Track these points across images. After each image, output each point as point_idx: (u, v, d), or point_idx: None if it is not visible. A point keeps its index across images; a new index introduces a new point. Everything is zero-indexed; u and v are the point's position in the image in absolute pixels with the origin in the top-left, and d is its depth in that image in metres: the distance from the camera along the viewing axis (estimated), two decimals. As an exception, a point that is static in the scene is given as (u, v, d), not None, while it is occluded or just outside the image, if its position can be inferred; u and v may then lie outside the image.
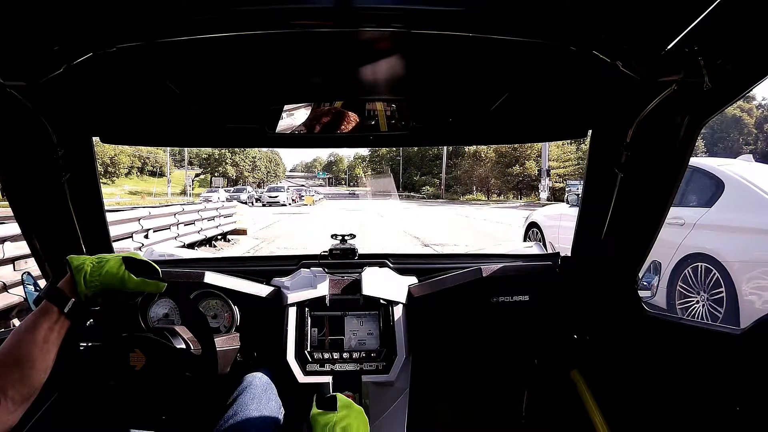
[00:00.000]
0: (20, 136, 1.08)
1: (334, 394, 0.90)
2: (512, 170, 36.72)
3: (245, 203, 28.27)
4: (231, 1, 0.80)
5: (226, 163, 54.07)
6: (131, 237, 6.93)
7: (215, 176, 50.16)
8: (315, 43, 0.94)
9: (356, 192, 52.27)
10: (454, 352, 1.52)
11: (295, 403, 1.23)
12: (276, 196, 29.33)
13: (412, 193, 47.84)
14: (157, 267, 0.94)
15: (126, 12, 0.80)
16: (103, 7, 0.78)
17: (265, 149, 61.50)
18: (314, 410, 0.89)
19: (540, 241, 6.04)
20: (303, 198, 32.85)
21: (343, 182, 78.39)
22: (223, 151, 52.21)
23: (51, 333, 0.82)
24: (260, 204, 28.72)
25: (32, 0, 0.74)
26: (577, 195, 5.42)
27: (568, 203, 5.96)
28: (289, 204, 29.18)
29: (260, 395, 1.12)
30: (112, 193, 36.01)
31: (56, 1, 0.75)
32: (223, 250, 9.50)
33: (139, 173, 52.03)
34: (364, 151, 74.49)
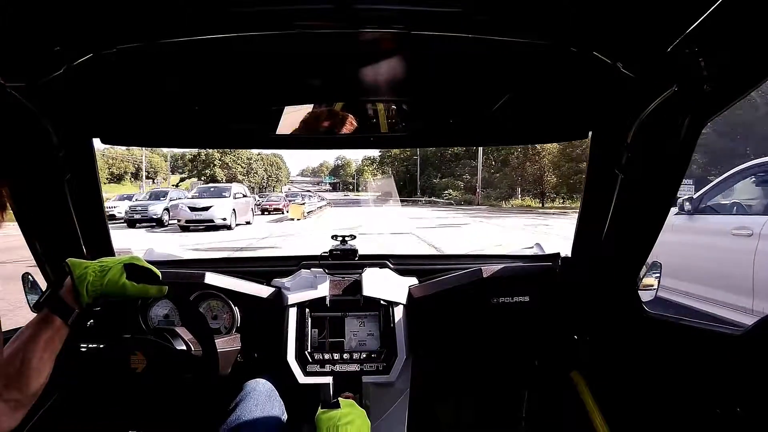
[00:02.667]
0: (21, 137, 1.08)
1: (337, 399, 0.92)
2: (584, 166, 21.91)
3: (152, 223, 14.92)
4: (231, 2, 0.80)
5: (215, 165, 46.31)
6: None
7: (201, 180, 41.64)
8: (316, 44, 0.94)
9: (359, 199, 43.90)
10: (455, 352, 1.52)
11: (295, 404, 1.23)
12: (207, 208, 13.61)
13: (433, 198, 39.09)
14: (158, 272, 0.94)
15: (126, 13, 0.80)
16: (104, 7, 0.78)
17: (267, 151, 57.38)
18: (319, 411, 0.90)
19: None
20: (287, 209, 19.44)
21: (351, 187, 73.27)
22: (211, 151, 45.11)
23: (53, 342, 0.83)
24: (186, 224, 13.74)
25: (33, 0, 0.74)
26: (691, 198, 4.10)
27: (678, 209, 4.13)
28: (245, 223, 15.16)
29: (264, 402, 1.12)
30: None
31: (57, 1, 0.75)
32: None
33: (133, 179, 49.00)
34: (375, 153, 68.78)
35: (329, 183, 77.52)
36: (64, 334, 0.85)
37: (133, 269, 0.91)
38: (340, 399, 0.94)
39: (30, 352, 0.80)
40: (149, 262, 0.96)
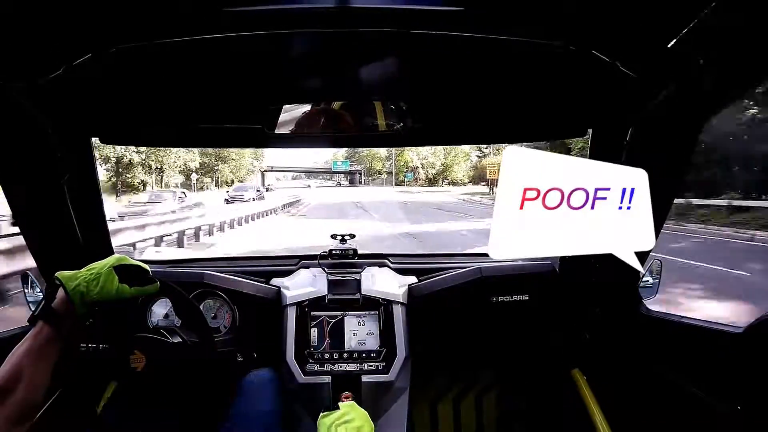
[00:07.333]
0: (19, 137, 1.08)
1: (337, 404, 0.93)
2: None
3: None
4: (229, 2, 0.80)
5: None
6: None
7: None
8: (314, 43, 0.94)
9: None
10: (455, 352, 1.52)
11: (294, 404, 1.23)
12: None
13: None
14: (146, 266, 0.94)
15: (125, 13, 0.80)
16: (103, 7, 0.78)
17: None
18: (321, 415, 0.91)
19: None
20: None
21: (378, 177, 42.84)
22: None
23: (48, 354, 0.82)
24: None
25: (32, 0, 0.74)
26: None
27: None
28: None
29: (261, 395, 1.13)
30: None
31: (56, 1, 0.75)
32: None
33: (118, 194, 33.36)
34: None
35: (344, 172, 44.28)
36: (59, 346, 0.84)
37: (123, 270, 0.91)
38: (340, 403, 0.94)
39: (29, 366, 0.79)
40: (146, 261, 0.96)
